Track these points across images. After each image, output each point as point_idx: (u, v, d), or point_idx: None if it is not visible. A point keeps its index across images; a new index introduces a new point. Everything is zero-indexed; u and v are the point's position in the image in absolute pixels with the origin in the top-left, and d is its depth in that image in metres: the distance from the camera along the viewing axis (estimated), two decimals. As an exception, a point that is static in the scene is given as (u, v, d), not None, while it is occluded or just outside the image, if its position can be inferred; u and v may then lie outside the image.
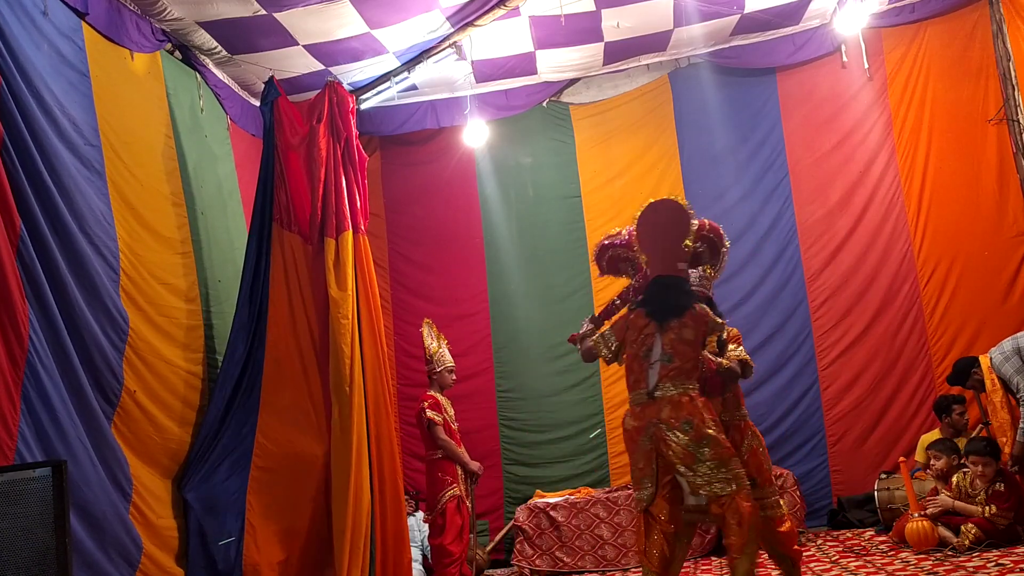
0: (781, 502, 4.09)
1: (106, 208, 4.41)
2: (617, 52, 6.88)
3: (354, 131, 5.54)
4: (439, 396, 5.63)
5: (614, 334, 3.82)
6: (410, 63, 6.36)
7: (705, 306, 3.76)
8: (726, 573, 5.30)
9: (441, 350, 5.69)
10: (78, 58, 4.41)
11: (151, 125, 5.08)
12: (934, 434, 5.96)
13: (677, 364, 3.63)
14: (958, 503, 5.06)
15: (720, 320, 3.75)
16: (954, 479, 5.26)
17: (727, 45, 6.96)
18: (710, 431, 3.52)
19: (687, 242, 3.78)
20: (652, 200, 3.90)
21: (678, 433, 3.53)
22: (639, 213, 3.87)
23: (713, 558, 5.88)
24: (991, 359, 5.27)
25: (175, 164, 5.22)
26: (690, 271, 3.93)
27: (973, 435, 5.77)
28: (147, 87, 5.11)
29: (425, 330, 5.73)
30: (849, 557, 5.20)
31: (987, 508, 4.97)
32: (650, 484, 3.59)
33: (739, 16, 6.49)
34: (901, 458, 5.79)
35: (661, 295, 3.74)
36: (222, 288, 5.47)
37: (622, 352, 3.81)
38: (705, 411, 3.60)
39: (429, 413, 5.47)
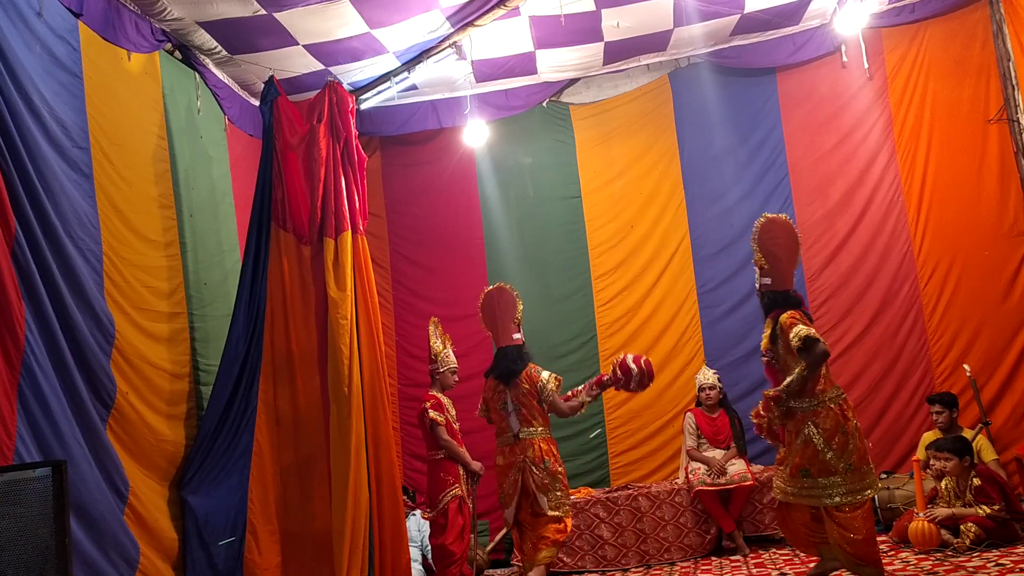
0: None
1: (91, 210, 4.35)
2: (617, 52, 6.88)
3: (354, 131, 5.54)
4: (441, 396, 5.62)
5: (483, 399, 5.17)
6: (410, 63, 6.35)
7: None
8: (727, 573, 5.32)
9: (446, 351, 5.69)
10: (72, 59, 4.35)
11: (144, 126, 5.01)
12: (935, 433, 5.95)
13: (524, 413, 4.91)
14: (957, 511, 5.06)
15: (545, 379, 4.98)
16: (942, 484, 5.25)
17: (727, 45, 6.96)
18: (559, 469, 4.89)
19: (517, 316, 5.12)
20: (488, 289, 5.26)
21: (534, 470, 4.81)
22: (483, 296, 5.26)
23: (713, 558, 5.88)
24: None
25: (167, 166, 5.16)
26: None
27: (974, 435, 5.77)
28: (143, 88, 5.06)
29: (431, 329, 5.73)
30: (849, 557, 5.20)
31: (980, 508, 4.97)
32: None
33: (739, 16, 6.49)
34: (914, 457, 5.81)
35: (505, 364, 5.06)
36: (207, 291, 5.41)
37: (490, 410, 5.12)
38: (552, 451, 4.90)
39: (432, 413, 5.47)
